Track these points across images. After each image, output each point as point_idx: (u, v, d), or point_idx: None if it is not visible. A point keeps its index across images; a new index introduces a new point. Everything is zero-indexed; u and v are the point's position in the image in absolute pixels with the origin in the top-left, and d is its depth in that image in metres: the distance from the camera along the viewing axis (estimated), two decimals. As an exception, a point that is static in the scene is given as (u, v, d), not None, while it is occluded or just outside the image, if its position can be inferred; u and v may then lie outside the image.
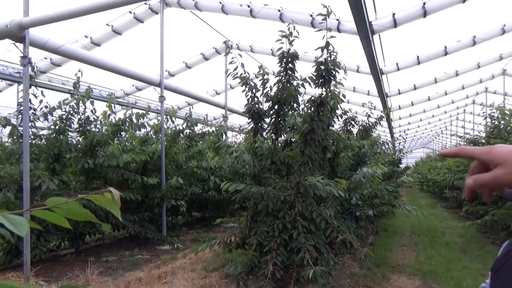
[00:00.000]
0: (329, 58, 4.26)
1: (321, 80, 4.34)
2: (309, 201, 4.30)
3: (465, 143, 9.02)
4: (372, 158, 7.22)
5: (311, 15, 6.79)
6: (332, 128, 5.59)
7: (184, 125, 7.96)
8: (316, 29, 4.25)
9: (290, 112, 4.85)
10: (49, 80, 9.29)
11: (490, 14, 9.21)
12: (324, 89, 4.36)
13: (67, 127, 6.11)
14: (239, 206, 10.25)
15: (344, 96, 5.25)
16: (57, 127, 6.00)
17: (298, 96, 4.77)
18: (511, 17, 8.26)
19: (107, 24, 7.83)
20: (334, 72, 4.34)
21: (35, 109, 5.62)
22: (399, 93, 12.29)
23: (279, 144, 4.98)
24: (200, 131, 8.65)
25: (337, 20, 6.66)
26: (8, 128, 5.67)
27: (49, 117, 6.05)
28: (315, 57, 4.36)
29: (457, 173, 9.38)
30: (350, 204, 5.85)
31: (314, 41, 4.41)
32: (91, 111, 6.39)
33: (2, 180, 5.21)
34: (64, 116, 6.08)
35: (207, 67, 10.77)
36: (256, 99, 4.99)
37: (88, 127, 6.37)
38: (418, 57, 9.10)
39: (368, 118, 7.71)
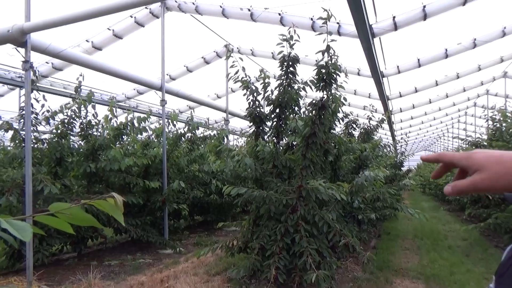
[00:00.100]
0: (330, 62, 4.26)
1: (322, 84, 4.34)
2: (311, 205, 4.29)
3: (467, 145, 9.00)
4: (374, 161, 7.21)
5: (312, 19, 6.81)
6: (334, 131, 5.59)
7: (186, 129, 7.97)
8: (317, 32, 4.26)
9: (291, 115, 4.85)
10: (50, 85, 9.32)
11: (491, 17, 9.23)
12: (325, 92, 4.36)
13: (69, 131, 6.12)
14: (241, 209, 10.24)
15: (345, 99, 5.24)
16: (59, 131, 6.01)
17: (299, 99, 4.78)
18: (512, 19, 8.27)
19: (108, 29, 7.86)
20: (335, 75, 4.35)
21: (37, 113, 5.63)
22: (400, 96, 12.28)
23: (281, 148, 4.98)
24: (201, 135, 8.66)
25: (338, 23, 6.67)
26: (11, 133, 5.68)
27: (51, 121, 6.07)
28: (316, 60, 4.36)
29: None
30: (352, 207, 5.84)
31: (314, 45, 4.42)
32: (93, 115, 6.41)
33: (5, 184, 5.22)
34: (66, 120, 6.09)
35: (208, 70, 10.79)
36: (257, 102, 4.99)
37: (90, 131, 6.39)
38: (418, 59, 9.11)
39: (369, 121, 7.70)
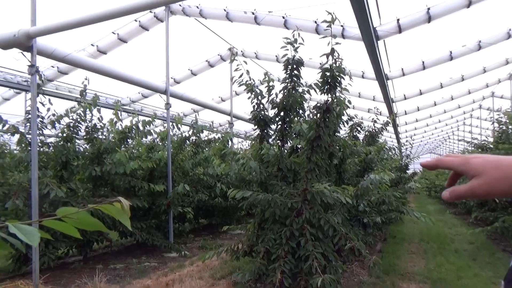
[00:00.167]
0: (334, 65, 4.25)
1: (326, 87, 4.33)
2: (316, 208, 4.27)
3: (473, 148, 8.93)
4: (379, 164, 7.17)
5: (316, 22, 6.81)
6: (338, 134, 5.57)
7: (190, 132, 7.98)
8: (321, 35, 4.26)
9: (296, 118, 4.84)
10: (56, 88, 9.39)
11: (496, 19, 9.17)
12: (329, 95, 4.35)
13: (74, 135, 6.15)
14: (245, 213, 10.22)
15: (349, 102, 5.24)
16: (64, 134, 6.05)
17: (304, 102, 4.77)
18: (517, 21, 8.23)
19: (113, 33, 7.91)
20: (339, 78, 4.33)
21: (42, 117, 5.68)
22: (405, 98, 12.23)
23: (286, 151, 4.96)
24: (206, 138, 8.67)
25: (342, 26, 6.67)
26: (17, 136, 5.72)
27: (57, 125, 6.10)
28: (320, 63, 4.36)
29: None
30: (357, 211, 5.81)
31: (319, 48, 4.42)
32: (98, 118, 6.44)
33: (11, 187, 5.26)
34: (71, 124, 6.12)
35: (212, 74, 10.82)
36: (261, 105, 4.99)
37: (95, 135, 6.42)
38: (423, 62, 9.07)
39: (374, 124, 7.68)
